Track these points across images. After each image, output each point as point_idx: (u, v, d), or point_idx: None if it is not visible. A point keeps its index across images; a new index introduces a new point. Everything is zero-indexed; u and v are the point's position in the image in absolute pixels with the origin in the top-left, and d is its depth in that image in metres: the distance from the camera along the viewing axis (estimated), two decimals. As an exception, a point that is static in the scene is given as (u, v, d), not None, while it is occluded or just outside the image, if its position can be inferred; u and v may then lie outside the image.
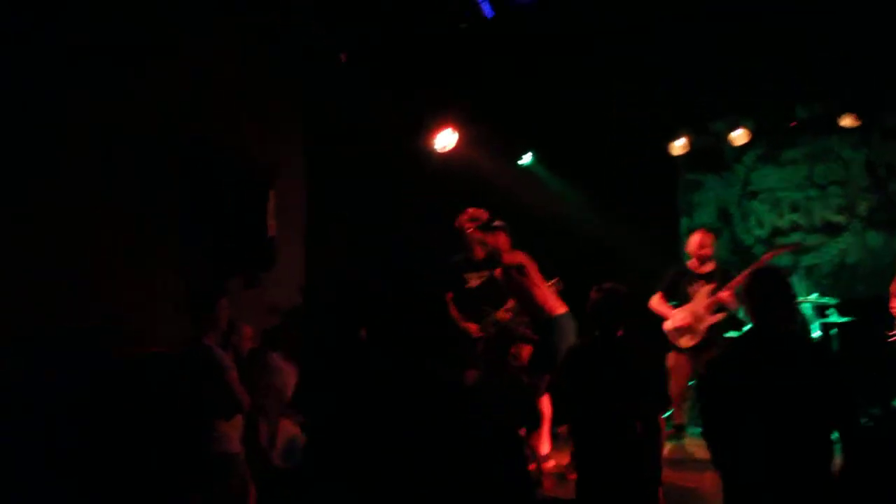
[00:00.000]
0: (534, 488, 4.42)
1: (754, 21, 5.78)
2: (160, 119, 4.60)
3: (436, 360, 5.66)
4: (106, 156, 4.31)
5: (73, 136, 4.16)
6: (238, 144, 5.27)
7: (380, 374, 4.11)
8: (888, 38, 5.70)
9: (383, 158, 6.29)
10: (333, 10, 5.52)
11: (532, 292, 5.35)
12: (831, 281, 7.10)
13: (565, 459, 4.86)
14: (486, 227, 5.50)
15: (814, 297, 6.35)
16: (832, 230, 7.27)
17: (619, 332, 3.72)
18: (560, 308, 5.32)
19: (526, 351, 5.05)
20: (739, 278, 5.30)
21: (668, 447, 5.46)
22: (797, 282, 6.65)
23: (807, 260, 7.25)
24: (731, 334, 5.73)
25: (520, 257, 5.38)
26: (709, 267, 5.81)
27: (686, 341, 5.72)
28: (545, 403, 4.96)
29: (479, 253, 5.64)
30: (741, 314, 5.73)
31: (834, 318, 6.21)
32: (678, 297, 5.83)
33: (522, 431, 4.65)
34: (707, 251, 5.79)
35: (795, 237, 7.28)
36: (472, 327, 5.69)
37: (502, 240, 5.46)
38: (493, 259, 5.46)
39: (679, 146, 7.21)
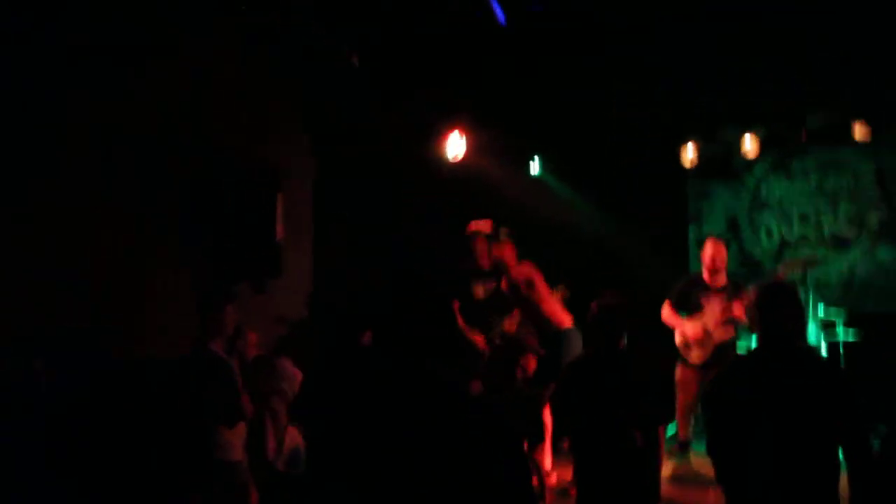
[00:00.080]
0: (537, 502, 4.41)
1: (766, 29, 5.75)
2: (160, 119, 4.63)
3: (441, 365, 5.66)
4: (106, 156, 4.34)
5: (73, 136, 4.20)
6: (244, 148, 5.29)
7: (382, 378, 4.10)
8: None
9: (390, 163, 6.30)
10: (338, 11, 5.49)
11: (540, 306, 5.33)
12: (839, 295, 7.04)
13: (568, 475, 4.81)
14: (491, 238, 5.46)
15: (823, 311, 6.31)
16: (841, 243, 7.23)
17: (622, 344, 3.71)
18: (568, 321, 5.30)
19: (532, 363, 5.02)
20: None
21: (672, 464, 5.47)
22: (805, 296, 6.60)
23: (814, 273, 7.17)
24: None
25: (527, 270, 5.36)
26: (721, 280, 5.72)
27: (696, 356, 5.67)
28: (548, 416, 4.93)
29: (486, 263, 5.62)
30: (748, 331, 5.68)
31: (842, 333, 6.17)
32: (689, 308, 5.76)
33: (526, 445, 4.63)
34: (719, 263, 5.69)
35: (804, 249, 7.24)
36: (479, 339, 5.65)
37: (508, 251, 5.44)
38: (499, 270, 5.44)
39: (689, 154, 7.16)
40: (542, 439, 4.98)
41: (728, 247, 6.05)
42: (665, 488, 4.84)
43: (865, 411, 2.98)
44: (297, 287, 5.91)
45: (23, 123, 3.94)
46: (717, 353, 5.57)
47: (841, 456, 2.88)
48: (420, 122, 6.27)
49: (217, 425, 3.96)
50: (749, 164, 7.51)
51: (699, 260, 7.29)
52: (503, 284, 5.50)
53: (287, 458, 4.59)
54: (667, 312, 5.78)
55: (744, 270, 7.15)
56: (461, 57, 5.87)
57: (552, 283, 5.54)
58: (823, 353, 6.14)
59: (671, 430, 6.01)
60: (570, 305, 5.42)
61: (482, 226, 5.58)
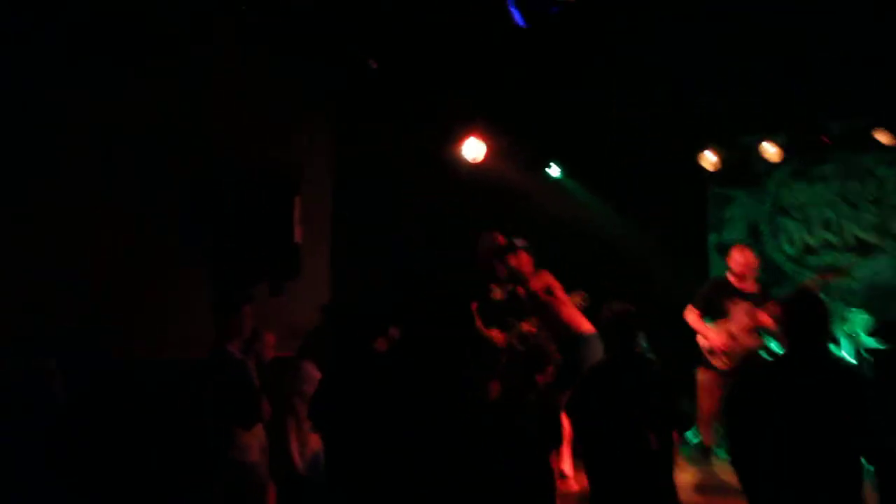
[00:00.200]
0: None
1: (788, 34, 5.71)
2: (170, 119, 4.64)
3: (459, 369, 5.63)
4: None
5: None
6: (262, 149, 5.31)
7: (398, 382, 4.09)
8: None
9: (409, 165, 6.31)
10: (357, 13, 5.49)
11: (559, 311, 5.31)
12: (864, 302, 6.93)
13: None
14: (506, 250, 5.45)
15: (849, 319, 6.24)
16: (864, 249, 7.15)
17: (637, 348, 3.80)
18: (588, 326, 5.28)
19: (551, 368, 4.97)
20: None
21: (695, 471, 5.43)
22: (831, 304, 6.50)
23: (838, 280, 7.09)
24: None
25: (545, 279, 5.34)
26: (750, 286, 5.68)
27: (720, 361, 5.63)
28: (566, 421, 4.88)
29: (501, 272, 5.61)
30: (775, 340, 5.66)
31: (868, 341, 6.09)
32: (715, 313, 5.71)
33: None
34: (748, 270, 5.66)
35: (827, 256, 7.19)
36: (497, 336, 5.65)
37: (525, 260, 5.43)
38: (515, 282, 5.44)
39: (709, 160, 7.14)
40: (560, 444, 4.92)
41: (749, 253, 5.99)
42: (688, 496, 4.85)
43: (893, 418, 2.94)
44: (314, 289, 5.91)
45: (23, 123, 3.96)
46: (741, 358, 5.53)
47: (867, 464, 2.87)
48: (439, 124, 6.29)
49: (234, 426, 3.95)
50: (770, 170, 7.47)
51: (719, 266, 7.30)
52: (520, 291, 5.49)
53: (309, 462, 4.58)
54: (692, 317, 5.75)
55: (765, 277, 7.03)
56: (481, 59, 5.87)
57: (570, 289, 5.51)
58: (851, 361, 6.08)
59: (694, 436, 5.99)
60: (589, 313, 5.35)
61: (495, 239, 5.55)
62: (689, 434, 6.08)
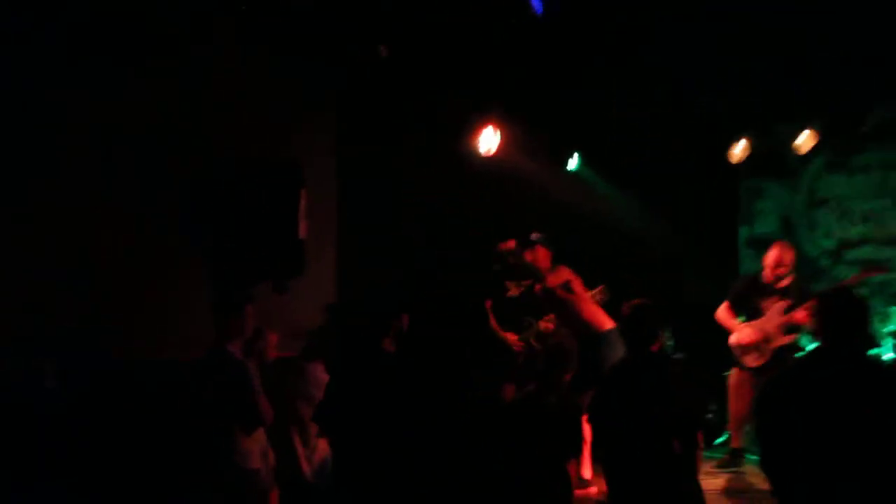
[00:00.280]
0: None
1: (823, 15, 5.66)
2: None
3: (472, 373, 5.61)
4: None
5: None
6: (265, 142, 5.35)
7: (408, 387, 4.11)
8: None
9: (420, 158, 6.31)
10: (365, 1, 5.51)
11: (579, 308, 5.28)
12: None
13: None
14: (523, 244, 5.40)
15: (894, 317, 6.16)
16: (907, 244, 7.09)
17: (655, 348, 3.77)
18: (608, 323, 5.24)
19: (572, 369, 4.93)
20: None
21: (725, 476, 5.38)
22: (870, 301, 6.41)
23: (879, 276, 6.99)
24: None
25: (563, 274, 5.31)
26: (785, 282, 5.61)
27: (752, 360, 5.57)
28: (586, 425, 4.84)
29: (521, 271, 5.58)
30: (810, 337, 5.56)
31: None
32: (747, 310, 5.67)
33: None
34: (783, 269, 5.58)
35: (866, 250, 7.11)
36: (512, 337, 5.65)
37: (542, 254, 5.40)
38: (532, 278, 5.41)
39: (739, 150, 7.09)
40: (580, 452, 4.88)
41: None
42: (716, 501, 4.81)
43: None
44: (320, 288, 5.92)
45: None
46: (774, 357, 5.48)
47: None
48: (452, 115, 6.28)
49: (234, 431, 3.96)
50: (804, 160, 7.38)
51: (750, 261, 7.23)
52: (536, 289, 5.46)
53: (316, 468, 4.60)
54: (723, 314, 5.71)
55: (798, 272, 6.96)
56: (495, 47, 5.87)
57: (590, 285, 5.49)
58: (892, 360, 5.99)
59: (723, 438, 5.97)
60: (610, 309, 5.30)
61: (507, 247, 5.49)
62: (716, 438, 6.08)
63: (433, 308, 5.57)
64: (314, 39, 5.50)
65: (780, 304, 5.53)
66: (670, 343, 6.29)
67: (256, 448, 4.04)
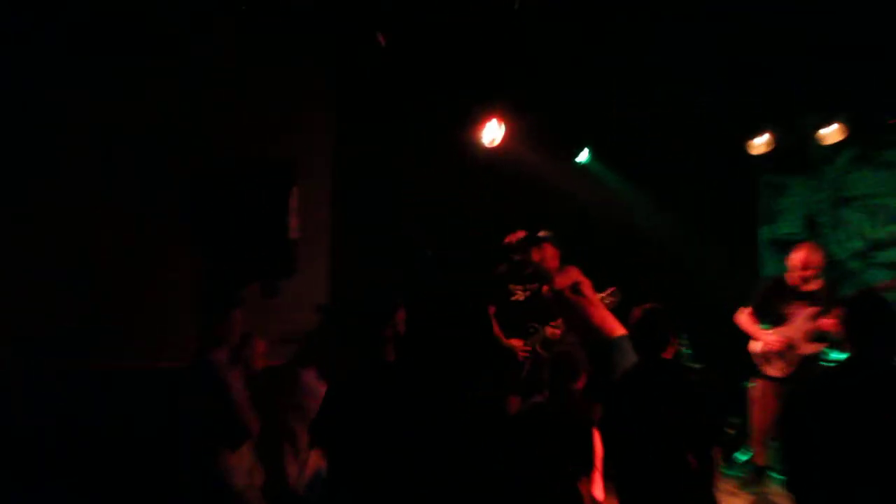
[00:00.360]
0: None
1: (853, 2, 5.63)
2: (160, 119, 4.92)
3: (475, 384, 5.60)
4: (106, 156, 4.68)
5: (73, 136, 4.56)
6: (255, 137, 5.39)
7: (409, 395, 4.10)
8: None
9: (420, 153, 6.33)
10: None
11: (588, 312, 5.26)
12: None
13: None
14: (530, 242, 5.40)
15: None
16: (941, 245, 7.08)
17: (668, 355, 3.76)
18: (619, 329, 5.21)
19: (582, 378, 4.89)
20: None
21: (747, 495, 5.37)
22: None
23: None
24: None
25: (572, 275, 5.29)
26: (812, 286, 5.58)
27: (776, 370, 5.56)
28: (597, 439, 4.81)
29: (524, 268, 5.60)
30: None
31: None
32: (771, 316, 5.65)
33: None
34: (810, 271, 5.55)
35: (896, 252, 7.07)
36: (518, 343, 5.63)
37: (550, 253, 5.38)
38: (540, 278, 5.39)
39: (760, 144, 7.07)
40: (592, 468, 4.83)
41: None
42: None
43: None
44: (312, 290, 5.90)
45: (23, 123, 4.32)
46: (800, 367, 5.47)
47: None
48: (454, 108, 6.31)
49: (219, 446, 3.94)
50: (830, 155, 7.37)
51: (772, 262, 7.19)
52: (544, 290, 5.45)
53: (308, 483, 4.58)
54: (745, 319, 5.70)
55: (825, 272, 6.93)
56: (500, 38, 5.86)
57: (600, 287, 5.45)
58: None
59: (745, 454, 5.92)
60: (621, 313, 5.26)
61: (515, 237, 5.59)
62: (738, 453, 6.05)
63: (432, 308, 5.63)
64: (309, 32, 5.59)
65: (808, 310, 5.50)
66: (687, 350, 6.26)
67: (242, 464, 4.02)
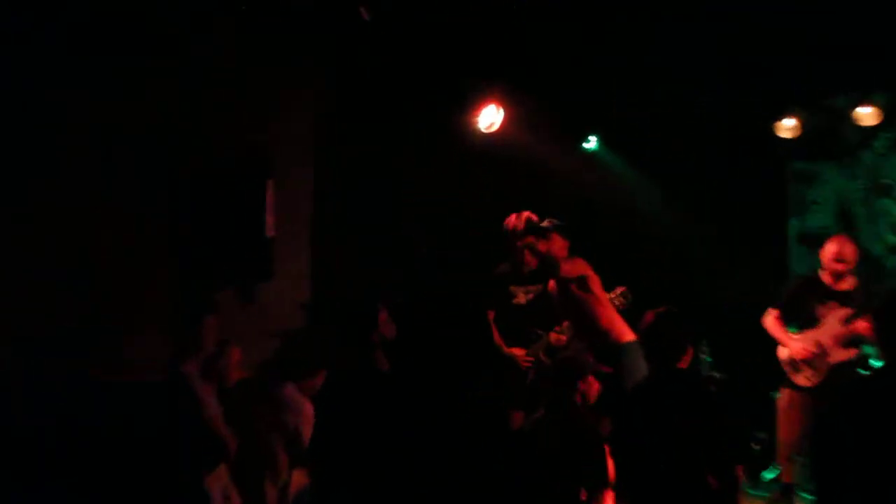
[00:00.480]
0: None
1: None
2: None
3: (473, 397, 5.61)
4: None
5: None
6: (224, 127, 5.44)
7: (406, 415, 4.19)
8: None
9: (410, 141, 6.35)
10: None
11: (595, 312, 5.25)
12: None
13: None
14: (536, 230, 5.39)
15: None
16: None
17: (683, 364, 3.75)
18: (629, 334, 5.21)
19: (594, 387, 4.90)
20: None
21: None
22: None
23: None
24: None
25: (580, 267, 5.28)
26: (846, 285, 5.58)
27: (805, 378, 5.56)
28: (608, 457, 4.83)
29: (530, 262, 5.59)
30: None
31: None
32: (802, 318, 5.66)
33: (584, 495, 4.50)
34: (843, 266, 5.55)
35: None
36: (520, 353, 5.64)
37: (558, 244, 5.38)
38: (547, 269, 5.37)
39: (787, 128, 7.06)
40: (606, 484, 4.84)
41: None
42: None
43: None
44: (292, 293, 5.95)
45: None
46: (832, 374, 5.46)
47: None
48: (449, 92, 6.33)
49: (191, 469, 3.97)
50: (865, 140, 7.35)
51: (802, 259, 7.20)
52: (551, 286, 5.45)
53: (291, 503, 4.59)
54: (771, 322, 5.71)
55: (861, 270, 6.92)
56: (499, 15, 5.89)
57: (610, 286, 5.46)
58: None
59: (772, 471, 5.93)
60: (631, 315, 5.27)
61: (524, 216, 5.52)
62: (766, 471, 6.05)
63: (432, 308, 5.83)
64: (294, 14, 5.71)
65: (840, 313, 5.50)
66: (707, 359, 6.27)
67: (217, 487, 4.03)
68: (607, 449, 4.71)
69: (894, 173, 7.37)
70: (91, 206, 4.84)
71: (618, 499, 4.98)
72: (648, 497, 3.68)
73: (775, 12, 5.78)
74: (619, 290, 5.52)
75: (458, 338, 5.94)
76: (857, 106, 6.85)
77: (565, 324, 5.56)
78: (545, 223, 5.44)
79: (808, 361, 5.53)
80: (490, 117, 6.32)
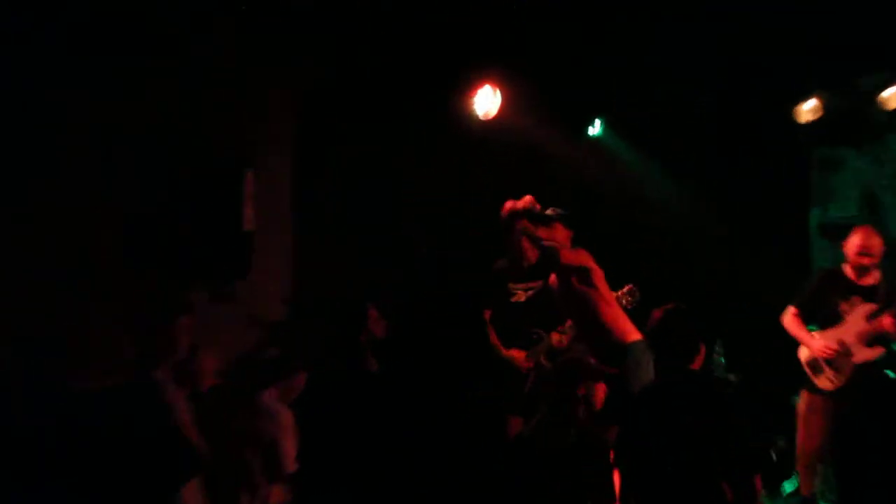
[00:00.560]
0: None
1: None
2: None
3: (469, 403, 5.59)
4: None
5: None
6: (197, 112, 5.48)
7: (394, 423, 4.09)
8: None
9: (399, 127, 6.35)
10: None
11: (598, 308, 5.23)
12: None
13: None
14: (537, 218, 5.36)
15: None
16: None
17: (695, 365, 3.75)
18: (634, 333, 5.19)
19: (600, 393, 4.88)
20: None
21: None
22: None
23: None
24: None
25: (583, 258, 5.26)
26: (871, 279, 5.59)
27: (827, 380, 5.55)
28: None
29: (530, 254, 5.62)
30: None
31: None
32: (824, 316, 5.65)
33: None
34: (869, 260, 5.56)
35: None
36: (519, 356, 5.64)
37: (561, 233, 5.35)
38: (547, 258, 5.35)
39: (807, 111, 7.07)
40: (611, 498, 4.81)
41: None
42: None
43: None
44: (272, 292, 5.97)
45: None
46: (856, 375, 5.44)
47: None
48: (443, 77, 6.32)
49: (163, 482, 3.93)
50: (894, 123, 7.29)
51: (825, 252, 7.21)
52: (552, 279, 5.45)
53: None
54: (790, 320, 5.72)
55: (886, 263, 6.91)
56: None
57: (614, 281, 5.41)
58: None
59: (793, 483, 5.96)
60: (639, 314, 5.25)
61: (525, 202, 5.47)
62: (787, 481, 6.07)
63: (422, 307, 5.90)
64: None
65: (864, 308, 5.50)
66: (721, 360, 6.24)
67: (192, 500, 4.00)
68: (612, 458, 4.70)
69: (925, 158, 7.47)
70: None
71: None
72: None
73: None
74: (626, 288, 5.51)
75: (451, 339, 5.94)
76: (884, 87, 6.82)
77: (568, 323, 5.56)
78: (549, 212, 5.40)
79: (831, 361, 5.52)
80: (487, 102, 6.33)
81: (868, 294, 5.53)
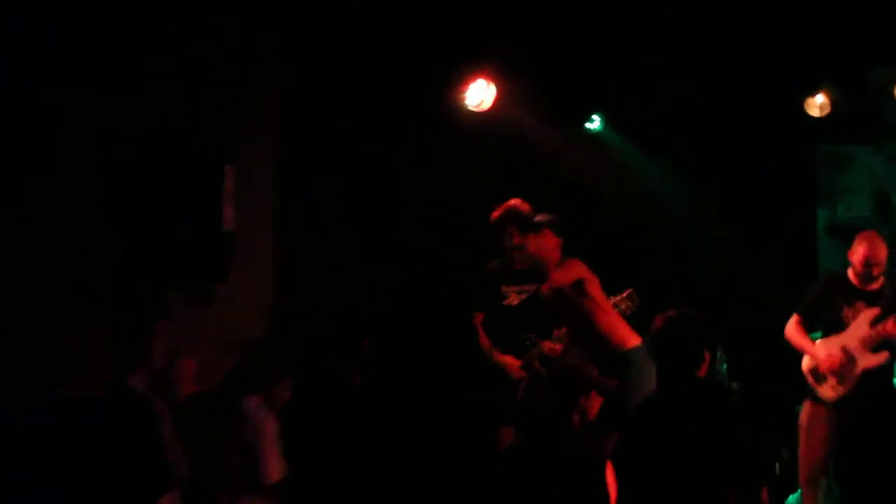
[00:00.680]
0: None
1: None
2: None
3: (457, 411, 5.66)
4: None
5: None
6: (174, 106, 5.50)
7: (383, 430, 4.26)
8: None
9: (387, 124, 6.38)
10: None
11: (595, 317, 5.28)
12: None
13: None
14: (526, 224, 5.42)
15: None
16: None
17: (701, 372, 3.80)
18: (633, 339, 5.25)
19: (596, 403, 4.97)
20: None
21: None
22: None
23: None
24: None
25: (576, 270, 5.32)
26: (876, 285, 5.63)
27: (830, 389, 5.59)
28: (612, 479, 4.88)
29: (519, 263, 5.66)
30: None
31: None
32: (828, 322, 5.71)
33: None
34: (877, 270, 5.58)
35: None
36: (512, 362, 5.66)
37: (550, 242, 5.39)
38: (536, 272, 5.41)
39: (817, 105, 7.14)
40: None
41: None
42: None
43: None
44: (253, 295, 5.93)
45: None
46: (860, 383, 5.49)
47: None
48: (433, 66, 6.39)
49: (138, 494, 3.96)
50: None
51: (833, 255, 7.24)
52: (543, 289, 5.46)
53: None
54: (791, 330, 5.75)
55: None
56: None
57: (613, 283, 5.47)
58: None
59: (796, 497, 5.97)
60: (639, 319, 5.33)
61: (515, 207, 5.58)
62: (794, 494, 6.09)
63: (419, 322, 5.91)
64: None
65: (868, 313, 5.54)
66: (724, 367, 6.32)
67: None
68: (609, 470, 4.80)
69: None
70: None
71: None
72: None
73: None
74: (625, 293, 5.54)
75: (441, 343, 6.01)
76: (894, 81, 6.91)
77: (562, 330, 5.58)
78: (538, 218, 5.45)
79: (834, 371, 5.55)
80: (480, 94, 6.38)
81: (872, 299, 5.57)
